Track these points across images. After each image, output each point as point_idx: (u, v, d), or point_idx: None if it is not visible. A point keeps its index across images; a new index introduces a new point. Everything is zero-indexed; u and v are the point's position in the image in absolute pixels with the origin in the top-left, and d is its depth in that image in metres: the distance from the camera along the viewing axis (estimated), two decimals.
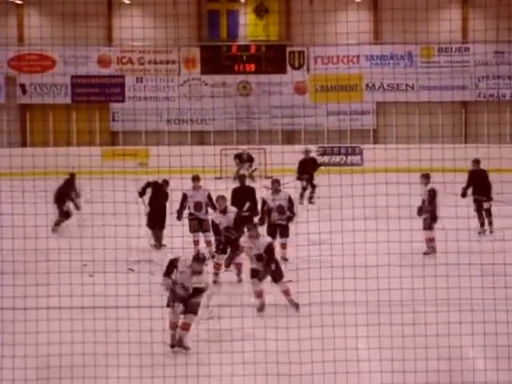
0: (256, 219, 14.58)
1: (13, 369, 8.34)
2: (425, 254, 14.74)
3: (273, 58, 33.08)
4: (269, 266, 11.54)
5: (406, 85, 32.21)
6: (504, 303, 8.99)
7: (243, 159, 28.28)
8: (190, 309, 9.85)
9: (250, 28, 33.07)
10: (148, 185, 16.30)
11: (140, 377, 8.46)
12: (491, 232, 16.52)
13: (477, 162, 17.35)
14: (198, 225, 15.13)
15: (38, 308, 9.18)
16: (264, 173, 28.93)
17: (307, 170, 21.94)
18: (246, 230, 12.71)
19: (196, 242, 15.21)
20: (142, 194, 16.14)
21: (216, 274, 13.26)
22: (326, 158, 31.50)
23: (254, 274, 11.65)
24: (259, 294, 11.62)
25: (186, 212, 15.32)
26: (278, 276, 11.66)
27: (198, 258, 10.21)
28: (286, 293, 11.59)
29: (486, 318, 8.58)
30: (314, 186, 21.77)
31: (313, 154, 24.09)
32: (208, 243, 15.08)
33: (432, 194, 14.95)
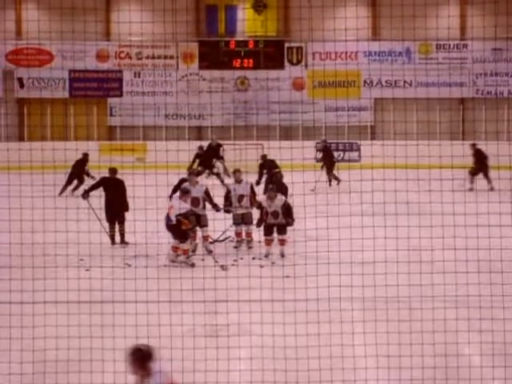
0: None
1: (9, 362, 8.34)
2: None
3: (271, 54, 33.05)
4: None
5: (404, 81, 32.21)
6: (500, 300, 8.98)
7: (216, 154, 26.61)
8: None
9: (248, 23, 33.03)
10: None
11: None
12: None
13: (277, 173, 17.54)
14: (195, 220, 15.12)
15: (34, 302, 9.17)
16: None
17: None
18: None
19: (194, 238, 15.20)
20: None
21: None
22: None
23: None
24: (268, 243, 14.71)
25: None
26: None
27: None
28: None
29: (482, 314, 8.59)
30: None
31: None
32: (205, 238, 15.10)
33: (252, 189, 15.73)
